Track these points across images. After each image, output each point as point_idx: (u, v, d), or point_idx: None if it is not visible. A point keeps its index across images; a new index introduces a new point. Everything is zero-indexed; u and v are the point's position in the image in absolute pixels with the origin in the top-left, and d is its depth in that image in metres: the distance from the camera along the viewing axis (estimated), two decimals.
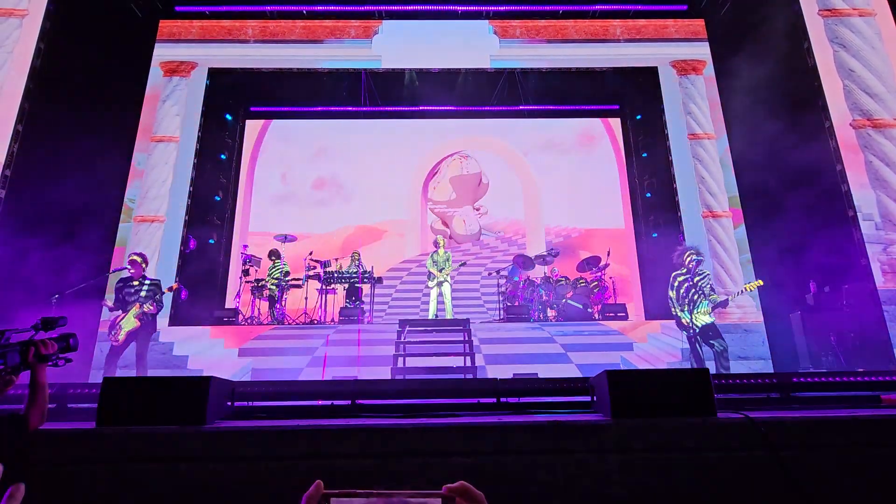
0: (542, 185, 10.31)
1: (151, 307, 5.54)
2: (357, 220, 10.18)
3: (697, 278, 5.58)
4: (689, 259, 5.65)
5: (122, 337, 5.48)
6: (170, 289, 5.76)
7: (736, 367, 6.82)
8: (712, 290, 5.65)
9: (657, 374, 2.66)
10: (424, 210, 10.40)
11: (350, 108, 9.85)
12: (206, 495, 2.14)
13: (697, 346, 5.59)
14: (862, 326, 5.86)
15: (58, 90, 6.73)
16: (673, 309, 5.74)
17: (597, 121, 10.41)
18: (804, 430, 2.27)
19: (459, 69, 9.13)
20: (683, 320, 5.63)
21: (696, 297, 5.55)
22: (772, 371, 6.70)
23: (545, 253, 8.90)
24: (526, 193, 10.37)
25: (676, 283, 5.72)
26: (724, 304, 5.55)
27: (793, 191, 6.70)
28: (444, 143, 10.56)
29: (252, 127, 10.15)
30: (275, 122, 10.34)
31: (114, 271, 6.58)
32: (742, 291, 5.76)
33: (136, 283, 5.61)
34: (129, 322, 5.48)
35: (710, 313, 5.52)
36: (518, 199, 10.38)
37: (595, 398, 2.90)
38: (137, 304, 5.50)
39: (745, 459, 2.21)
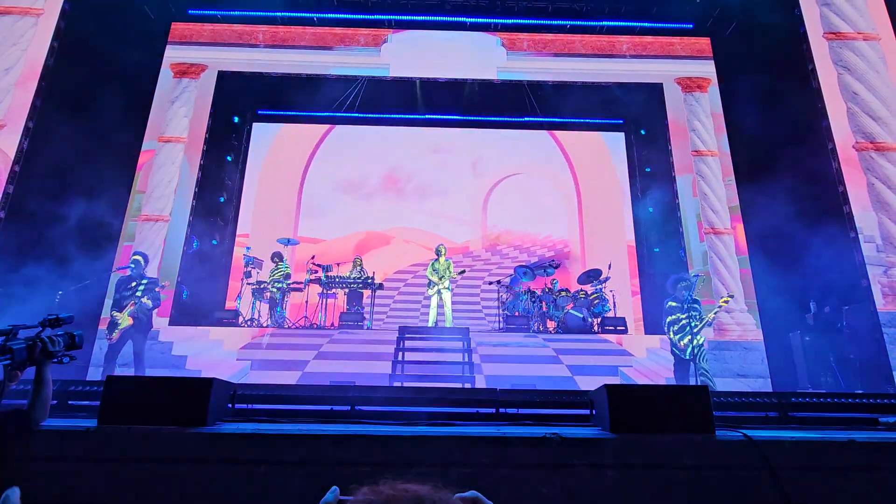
0: (548, 196, 10.35)
1: (148, 301, 5.57)
2: (366, 227, 10.22)
3: (689, 306, 5.66)
4: (677, 288, 5.76)
5: (115, 335, 5.51)
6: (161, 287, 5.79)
7: (735, 385, 6.81)
8: (700, 313, 5.71)
9: (657, 390, 2.67)
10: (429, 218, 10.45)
11: (357, 115, 9.91)
12: (205, 497, 2.15)
13: (682, 367, 5.65)
14: (861, 348, 5.86)
15: (69, 88, 6.80)
16: (668, 335, 5.81)
17: (601, 134, 10.47)
18: (802, 450, 2.28)
19: (466, 80, 9.21)
20: (680, 344, 5.68)
21: (690, 323, 5.63)
22: (770, 390, 6.69)
23: (546, 264, 8.93)
24: (533, 204, 10.40)
25: (669, 310, 5.83)
26: (709, 323, 5.71)
27: (795, 210, 6.72)
28: (448, 151, 10.61)
29: (260, 129, 10.22)
30: (284, 126, 10.41)
31: (117, 269, 6.61)
32: (720, 308, 5.86)
33: (133, 283, 5.66)
34: (124, 320, 5.51)
35: (699, 335, 5.63)
36: (526, 209, 10.42)
37: (594, 412, 2.90)
38: (132, 303, 5.55)
39: (743, 478, 2.22)
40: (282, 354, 7.03)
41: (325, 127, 10.38)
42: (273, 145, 10.28)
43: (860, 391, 5.22)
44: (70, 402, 3.12)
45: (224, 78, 8.95)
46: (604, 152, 10.41)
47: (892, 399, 3.57)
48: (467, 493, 0.58)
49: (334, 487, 0.61)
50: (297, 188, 10.21)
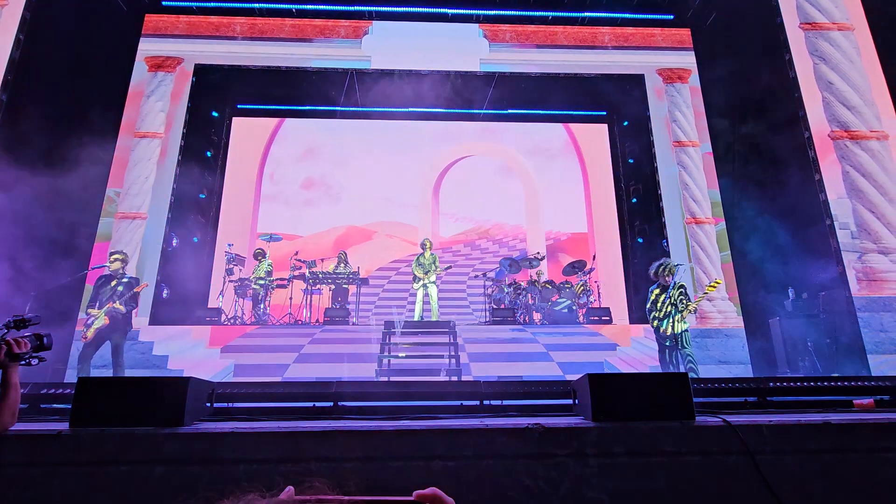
0: (532, 189, 10.37)
1: (121, 307, 5.43)
2: (346, 221, 10.13)
3: (674, 292, 5.66)
4: (661, 274, 5.74)
5: (90, 334, 5.37)
6: (138, 288, 5.66)
7: (717, 372, 6.94)
8: (688, 298, 5.71)
9: (638, 378, 2.69)
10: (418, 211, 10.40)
11: (338, 108, 9.79)
12: (182, 498, 2.10)
13: (667, 354, 5.67)
14: (837, 333, 6.01)
15: (38, 83, 6.57)
16: (652, 322, 5.81)
17: (586, 126, 10.51)
18: (779, 433, 2.32)
19: (448, 71, 9.15)
20: (662, 330, 5.67)
21: (671, 309, 5.64)
22: (751, 375, 6.82)
23: (531, 256, 8.95)
24: (517, 196, 10.41)
25: (653, 297, 5.82)
26: (694, 311, 5.72)
27: (773, 199, 6.84)
28: (434, 144, 10.55)
29: (240, 124, 10.03)
30: (264, 121, 10.23)
31: (93, 269, 6.44)
32: (706, 293, 5.84)
33: (113, 281, 5.53)
34: (99, 319, 5.38)
35: (684, 321, 5.63)
36: (511, 202, 10.43)
37: (577, 401, 2.92)
38: (111, 302, 5.42)
39: (722, 463, 2.25)
40: (266, 352, 6.95)
41: (306, 120, 10.23)
42: (252, 140, 10.10)
43: (836, 374, 5.36)
44: (42, 406, 3.03)
45: (201, 71, 8.74)
46: (587, 143, 10.45)
47: (866, 381, 3.66)
48: (426, 490, 0.56)
49: (289, 487, 0.58)
50: (278, 183, 10.06)
